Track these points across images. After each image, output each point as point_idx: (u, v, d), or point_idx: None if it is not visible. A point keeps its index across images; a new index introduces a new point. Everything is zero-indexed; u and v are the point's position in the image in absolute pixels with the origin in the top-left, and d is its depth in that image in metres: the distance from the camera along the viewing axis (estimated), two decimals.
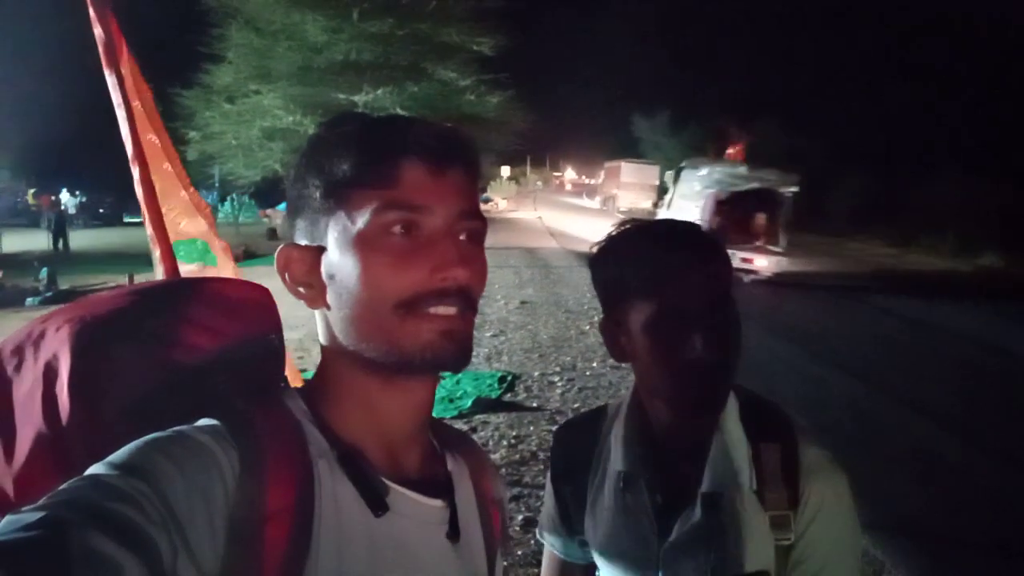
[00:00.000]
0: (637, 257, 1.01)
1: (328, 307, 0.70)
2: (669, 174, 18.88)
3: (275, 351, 0.78)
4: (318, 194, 0.69)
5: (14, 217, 29.50)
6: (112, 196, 35.65)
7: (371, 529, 0.66)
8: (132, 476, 0.54)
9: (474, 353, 7.85)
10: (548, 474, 1.22)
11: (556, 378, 6.81)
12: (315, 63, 15.73)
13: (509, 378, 6.70)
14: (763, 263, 14.32)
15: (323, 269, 0.69)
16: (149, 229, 1.86)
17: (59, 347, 0.68)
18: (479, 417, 5.60)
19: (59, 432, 0.65)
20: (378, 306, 0.66)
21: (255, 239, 21.56)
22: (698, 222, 1.14)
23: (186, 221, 2.26)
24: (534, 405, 5.99)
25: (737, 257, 13.29)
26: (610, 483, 1.08)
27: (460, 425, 5.36)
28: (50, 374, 0.67)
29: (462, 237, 0.69)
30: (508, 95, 17.37)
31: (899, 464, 5.24)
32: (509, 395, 6.26)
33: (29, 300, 11.02)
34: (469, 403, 5.89)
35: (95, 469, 0.55)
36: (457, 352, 0.67)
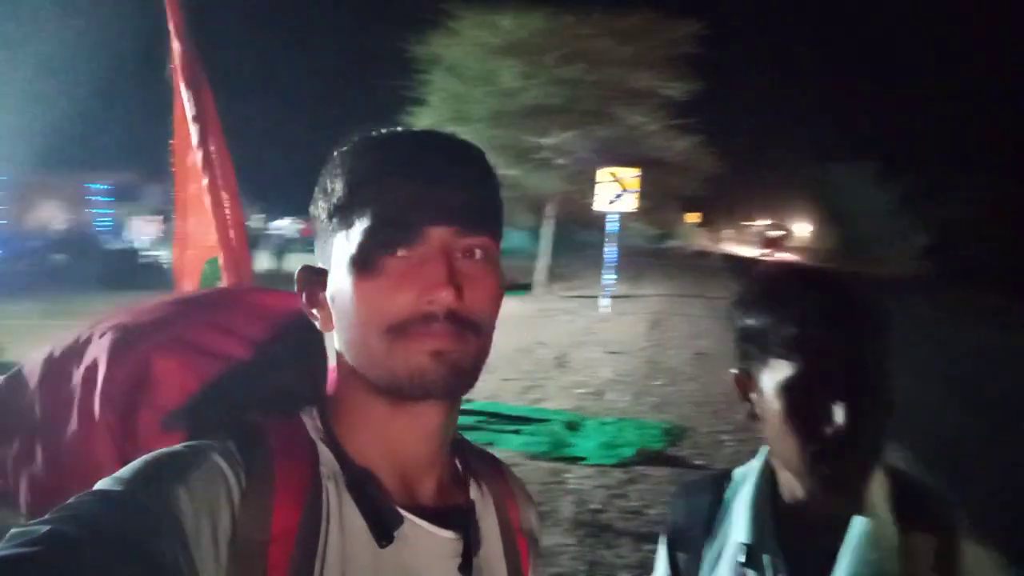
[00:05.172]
0: (776, 308, 0.90)
1: (334, 329, 0.69)
2: None
3: (308, 361, 0.76)
4: (324, 215, 0.68)
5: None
6: None
7: (378, 557, 0.64)
8: (138, 491, 0.55)
9: (640, 401, 7.55)
10: (662, 537, 1.13)
11: (726, 436, 6.39)
12: (508, 107, 16.46)
13: (676, 431, 6.42)
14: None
15: (327, 291, 0.68)
16: (214, 236, 1.74)
17: (99, 354, 0.70)
18: (639, 469, 5.38)
19: (92, 438, 0.67)
20: (371, 329, 0.64)
21: None
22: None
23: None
24: (699, 463, 5.66)
25: None
26: (729, 554, 0.98)
27: (618, 475, 5.19)
28: (88, 381, 0.69)
29: (459, 255, 0.66)
30: (696, 140, 17.07)
31: None
32: (674, 449, 5.98)
33: None
34: (631, 452, 5.69)
35: (102, 484, 0.56)
36: (449, 377, 0.64)
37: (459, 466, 0.77)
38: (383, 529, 0.64)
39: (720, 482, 1.08)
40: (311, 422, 0.70)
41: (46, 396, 0.71)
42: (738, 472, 1.07)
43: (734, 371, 0.98)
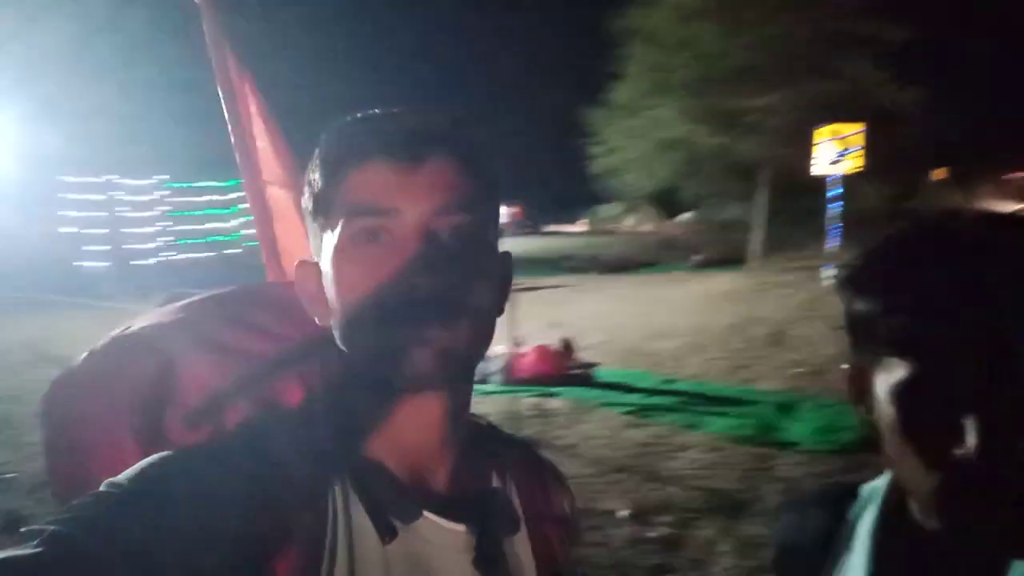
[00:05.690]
0: (887, 288, 0.69)
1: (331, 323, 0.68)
2: None
3: (333, 353, 0.73)
4: (311, 207, 0.67)
5: None
6: (535, 208, 45.13)
7: (388, 553, 0.62)
8: (141, 491, 0.55)
9: None
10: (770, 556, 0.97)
11: None
12: (710, 72, 15.71)
13: None
14: None
15: (322, 285, 0.67)
16: (260, 231, 1.64)
17: (126, 354, 0.70)
18: (861, 456, 4.87)
19: (120, 439, 0.67)
20: (357, 322, 0.62)
21: (651, 248, 22.31)
22: None
23: None
24: None
25: None
26: None
27: (836, 463, 4.77)
28: (117, 381, 0.69)
29: (446, 235, 0.62)
30: (930, 88, 15.10)
31: None
32: None
33: None
34: (852, 438, 5.17)
35: (107, 484, 0.56)
36: (441, 365, 0.60)
37: (478, 454, 0.74)
38: (386, 525, 0.62)
39: (843, 499, 0.88)
40: (316, 416, 0.68)
41: (82, 397, 0.73)
42: (866, 488, 0.86)
43: (844, 367, 0.77)
